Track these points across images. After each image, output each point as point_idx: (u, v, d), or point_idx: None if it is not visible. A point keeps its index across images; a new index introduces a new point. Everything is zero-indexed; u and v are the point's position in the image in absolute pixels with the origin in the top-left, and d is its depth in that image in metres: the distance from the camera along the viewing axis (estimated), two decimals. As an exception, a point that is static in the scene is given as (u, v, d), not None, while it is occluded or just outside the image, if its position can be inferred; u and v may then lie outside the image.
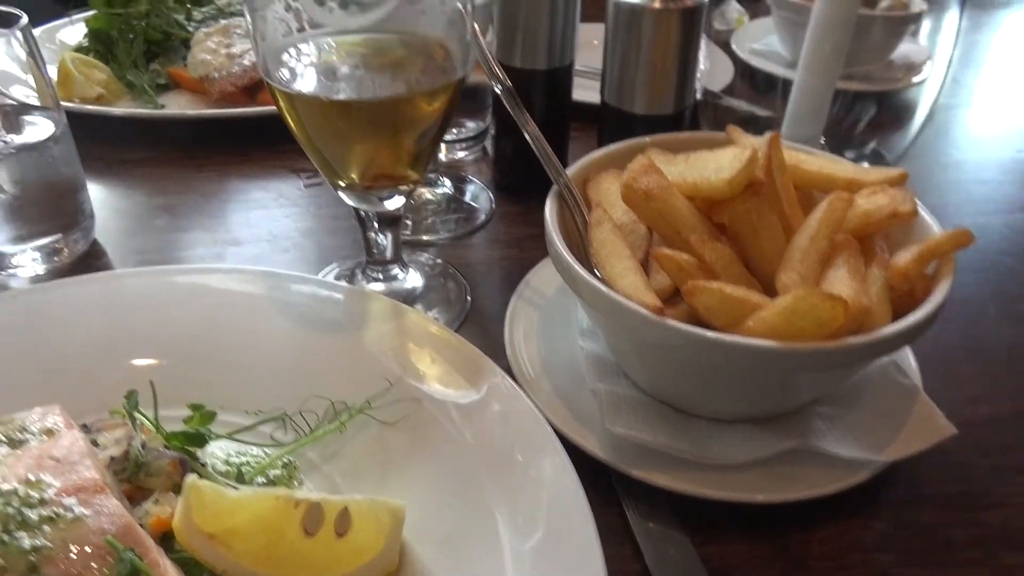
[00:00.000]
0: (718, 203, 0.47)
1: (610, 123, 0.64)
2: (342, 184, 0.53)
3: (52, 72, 0.85)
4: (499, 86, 0.53)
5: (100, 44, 0.95)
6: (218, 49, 0.88)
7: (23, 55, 0.61)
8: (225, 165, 0.81)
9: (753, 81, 0.97)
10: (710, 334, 0.40)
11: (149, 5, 0.98)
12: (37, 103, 0.64)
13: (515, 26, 0.67)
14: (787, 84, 0.76)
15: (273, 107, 0.82)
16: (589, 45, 0.96)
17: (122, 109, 0.83)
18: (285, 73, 0.48)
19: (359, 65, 0.49)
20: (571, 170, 0.54)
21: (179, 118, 0.83)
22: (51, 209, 0.64)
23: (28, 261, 0.64)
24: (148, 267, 0.58)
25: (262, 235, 0.70)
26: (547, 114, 0.71)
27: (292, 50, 0.49)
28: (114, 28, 0.94)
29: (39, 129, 0.64)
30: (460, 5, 0.49)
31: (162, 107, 0.88)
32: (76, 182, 0.66)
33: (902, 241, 0.48)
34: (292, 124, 0.51)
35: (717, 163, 0.47)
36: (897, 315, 0.43)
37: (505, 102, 0.53)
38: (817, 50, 0.68)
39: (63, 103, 0.80)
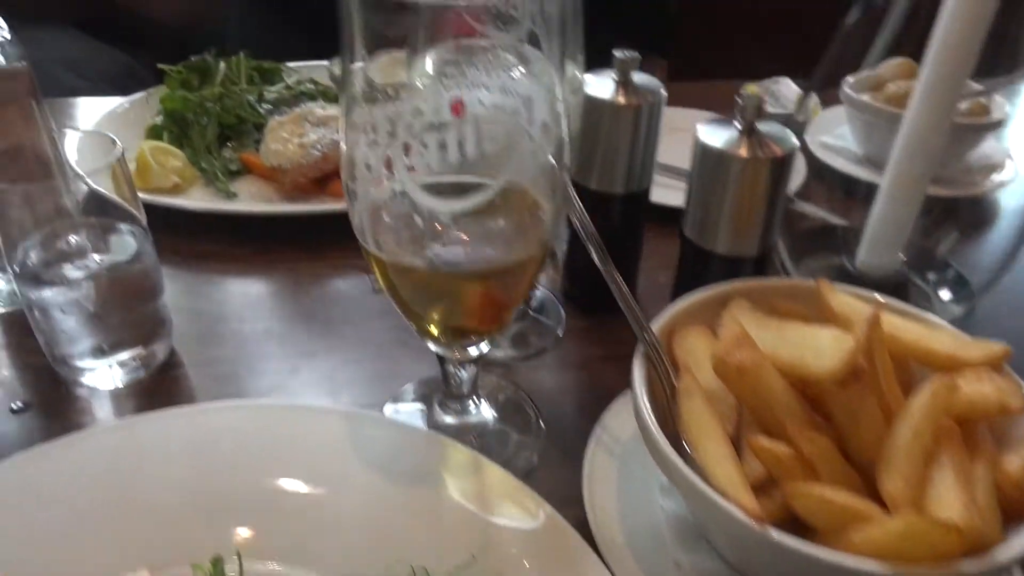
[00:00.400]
0: (813, 383, 0.46)
1: (690, 258, 0.64)
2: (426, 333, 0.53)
3: (130, 157, 0.87)
4: (584, 233, 0.52)
5: (175, 125, 0.97)
6: (290, 139, 0.89)
7: (119, 176, 0.62)
8: (296, 262, 0.82)
9: (826, 179, 0.95)
10: (813, 551, 0.39)
11: (222, 88, 0.99)
12: (123, 212, 0.65)
13: (594, 149, 0.67)
14: (865, 189, 0.75)
15: (341, 204, 0.84)
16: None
17: (197, 203, 0.84)
18: (376, 233, 0.48)
19: (451, 229, 0.49)
20: (656, 323, 0.53)
21: (251, 215, 0.84)
22: (133, 321, 0.65)
23: (107, 373, 0.65)
24: (227, 403, 0.59)
25: (334, 346, 0.71)
26: (621, 238, 0.70)
27: (384, 212, 0.49)
28: (189, 110, 0.96)
29: (125, 243, 0.65)
30: (552, 160, 0.49)
31: (234, 195, 0.89)
32: (157, 291, 0.67)
33: (1008, 426, 0.47)
34: (380, 278, 0.51)
35: (816, 345, 0.46)
36: (1007, 516, 0.41)
37: (590, 250, 0.52)
38: (903, 175, 0.67)
39: (140, 194, 0.82)
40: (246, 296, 0.77)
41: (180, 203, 0.84)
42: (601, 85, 0.66)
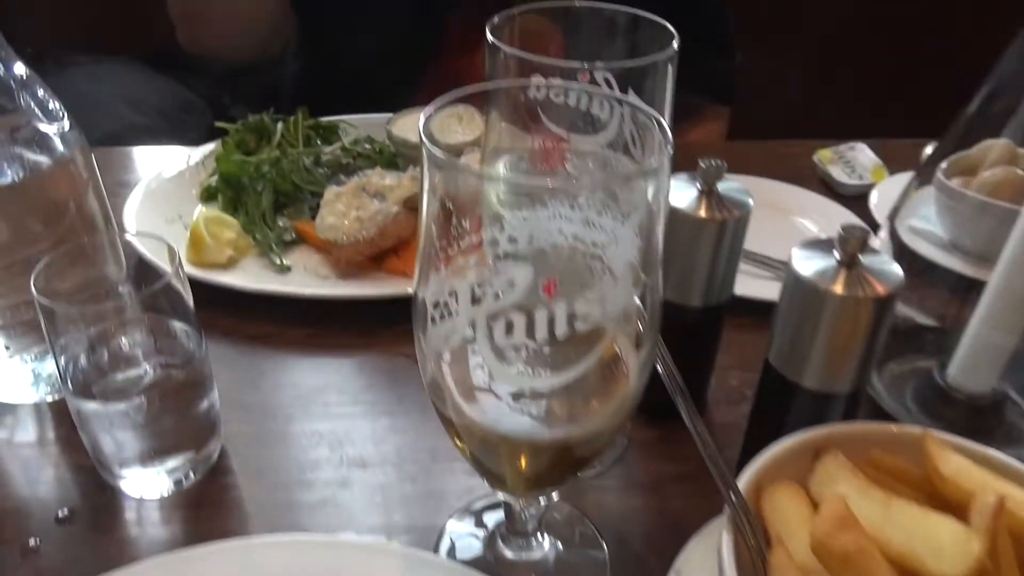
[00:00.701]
0: (928, 579, 0.41)
1: (773, 388, 0.59)
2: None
3: (178, 229, 0.85)
4: (670, 384, 0.48)
5: (230, 188, 0.95)
6: (347, 211, 0.86)
7: (179, 286, 0.59)
8: (349, 348, 0.79)
9: (914, 268, 0.89)
10: None
11: (279, 150, 0.97)
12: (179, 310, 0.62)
13: (671, 259, 0.62)
14: (959, 283, 0.69)
15: (396, 289, 0.80)
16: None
17: (248, 283, 0.81)
18: (446, 387, 0.44)
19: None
20: (743, 478, 0.48)
21: (302, 297, 0.81)
22: (182, 426, 0.63)
23: (154, 481, 0.62)
24: (277, 538, 0.56)
25: (388, 454, 0.67)
26: (694, 350, 0.66)
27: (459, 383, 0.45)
28: (244, 174, 0.94)
29: (178, 346, 0.62)
30: (639, 302, 0.45)
31: (288, 268, 0.86)
32: (208, 392, 0.64)
33: None
34: (449, 434, 0.47)
35: (934, 541, 0.41)
36: None
37: (677, 402, 0.48)
38: (1006, 298, 0.61)
39: (192, 269, 0.80)
40: (296, 390, 0.74)
41: (231, 282, 0.81)
42: (682, 193, 0.61)
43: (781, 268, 0.85)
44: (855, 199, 1.03)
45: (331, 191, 0.89)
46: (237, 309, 0.81)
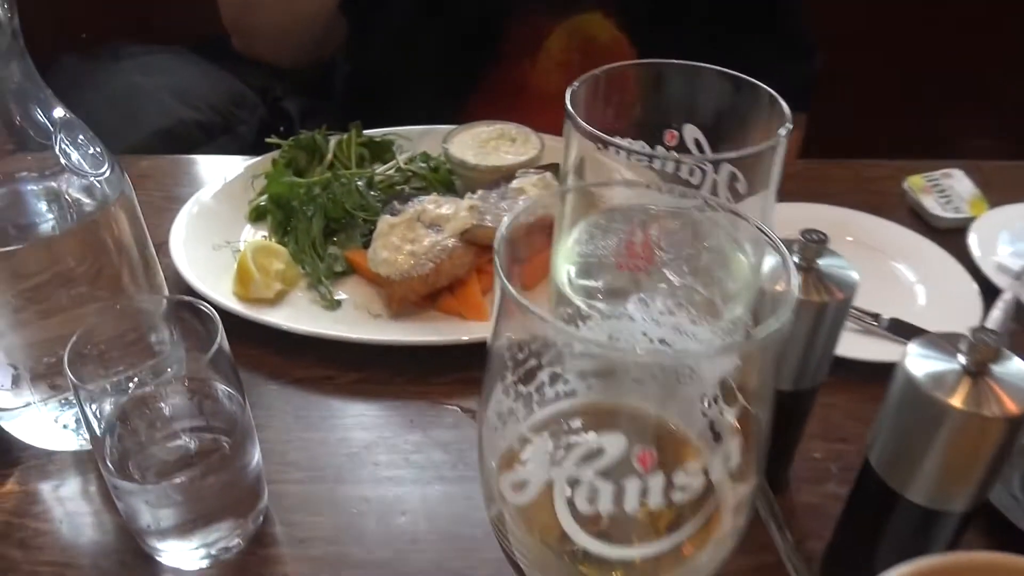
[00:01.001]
0: None
1: (871, 493, 0.52)
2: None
3: (226, 257, 0.81)
4: (767, 518, 0.42)
5: (279, 210, 0.91)
6: (401, 245, 0.81)
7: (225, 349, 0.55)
8: (399, 396, 0.74)
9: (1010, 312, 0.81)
10: None
11: (330, 172, 0.92)
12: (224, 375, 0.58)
13: (760, 338, 0.56)
14: None
15: (448, 336, 0.75)
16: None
17: (295, 324, 0.77)
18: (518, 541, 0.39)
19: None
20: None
21: (351, 341, 0.76)
22: (225, 495, 0.59)
23: (192, 553, 0.59)
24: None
25: (442, 529, 0.63)
26: (780, 434, 0.59)
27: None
28: (295, 196, 0.89)
29: (222, 412, 0.58)
30: (732, 420, 0.39)
31: (338, 304, 0.82)
32: (252, 459, 0.60)
33: None
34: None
35: None
36: None
37: (771, 533, 0.42)
38: None
39: (237, 305, 0.76)
40: (345, 446, 0.70)
41: (279, 322, 0.77)
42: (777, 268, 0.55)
43: (875, 324, 0.78)
44: (951, 234, 0.95)
45: (385, 222, 0.84)
46: (285, 347, 0.77)
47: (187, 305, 0.56)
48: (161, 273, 0.69)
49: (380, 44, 1.30)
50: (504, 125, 1.02)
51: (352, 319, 0.80)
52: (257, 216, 0.94)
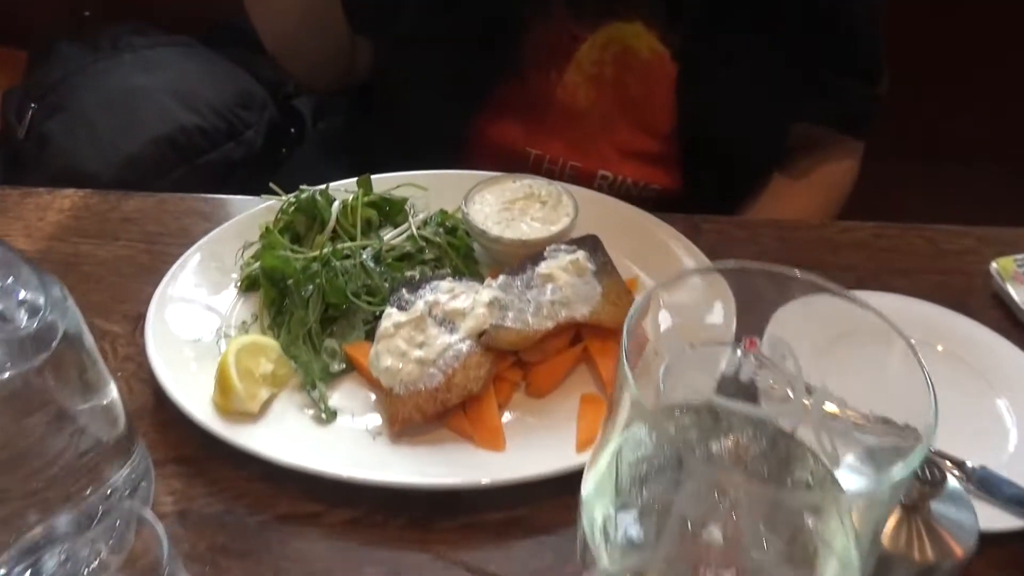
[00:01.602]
0: None
1: None
2: None
3: (208, 354, 0.70)
4: None
5: (272, 286, 0.79)
6: (408, 351, 0.70)
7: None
8: (397, 544, 0.63)
9: None
10: None
11: (332, 243, 0.81)
12: None
13: None
14: None
15: (461, 479, 0.64)
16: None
17: (277, 454, 0.66)
18: None
19: None
20: None
21: (340, 480, 0.65)
22: None
23: None
24: None
25: None
26: None
27: None
28: (290, 273, 0.78)
29: None
30: None
31: (333, 416, 0.71)
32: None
33: None
34: None
35: None
36: None
37: None
38: None
39: (215, 424, 0.66)
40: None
41: (258, 450, 0.66)
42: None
43: (961, 476, 0.65)
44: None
45: (390, 319, 0.72)
46: (271, 470, 0.67)
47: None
48: (122, 416, 0.58)
49: (386, 49, 1.17)
50: (533, 181, 0.90)
51: (348, 437, 0.70)
52: (249, 285, 0.82)
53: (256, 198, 0.91)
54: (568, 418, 0.70)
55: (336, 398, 0.73)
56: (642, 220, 0.90)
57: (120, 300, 0.84)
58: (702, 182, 1.12)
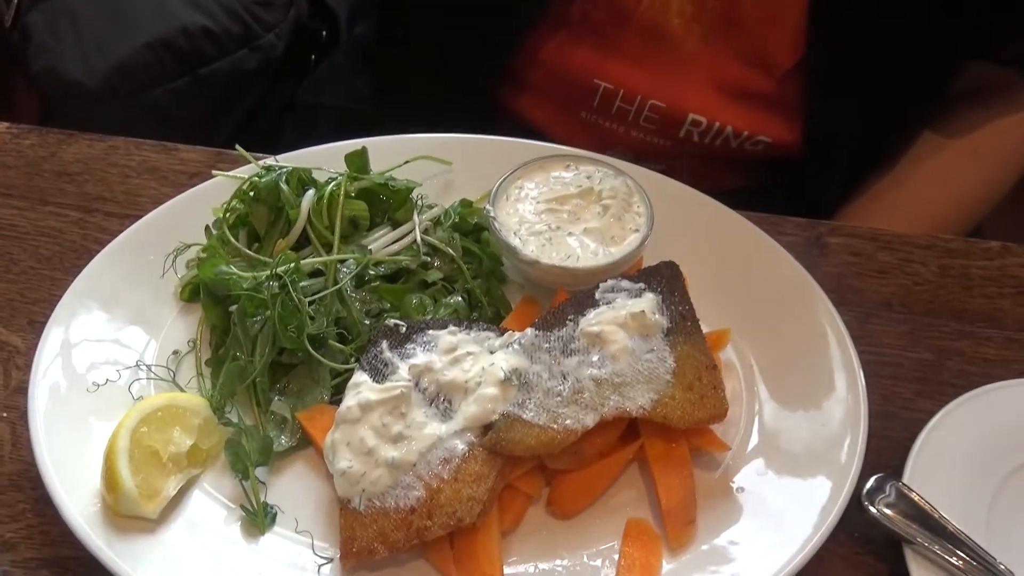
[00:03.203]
0: None
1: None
2: None
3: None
4: None
5: (216, 305, 0.57)
6: (376, 448, 0.48)
7: None
8: None
9: None
10: None
11: (296, 253, 0.57)
12: None
13: None
14: None
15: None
16: None
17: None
18: None
19: None
20: None
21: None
22: None
23: None
24: None
25: None
26: None
27: None
28: (235, 292, 0.56)
29: None
30: None
31: (271, 522, 0.50)
32: None
33: None
34: None
35: None
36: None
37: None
38: None
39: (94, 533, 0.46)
40: None
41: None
42: None
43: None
44: None
45: (356, 395, 0.49)
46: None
47: None
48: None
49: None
50: (595, 167, 0.64)
51: (286, 559, 0.49)
52: (191, 294, 0.61)
53: (234, 152, 0.67)
54: (604, 554, 0.48)
55: (279, 489, 0.52)
56: (740, 231, 0.64)
57: (30, 298, 0.64)
58: (826, 137, 0.85)
